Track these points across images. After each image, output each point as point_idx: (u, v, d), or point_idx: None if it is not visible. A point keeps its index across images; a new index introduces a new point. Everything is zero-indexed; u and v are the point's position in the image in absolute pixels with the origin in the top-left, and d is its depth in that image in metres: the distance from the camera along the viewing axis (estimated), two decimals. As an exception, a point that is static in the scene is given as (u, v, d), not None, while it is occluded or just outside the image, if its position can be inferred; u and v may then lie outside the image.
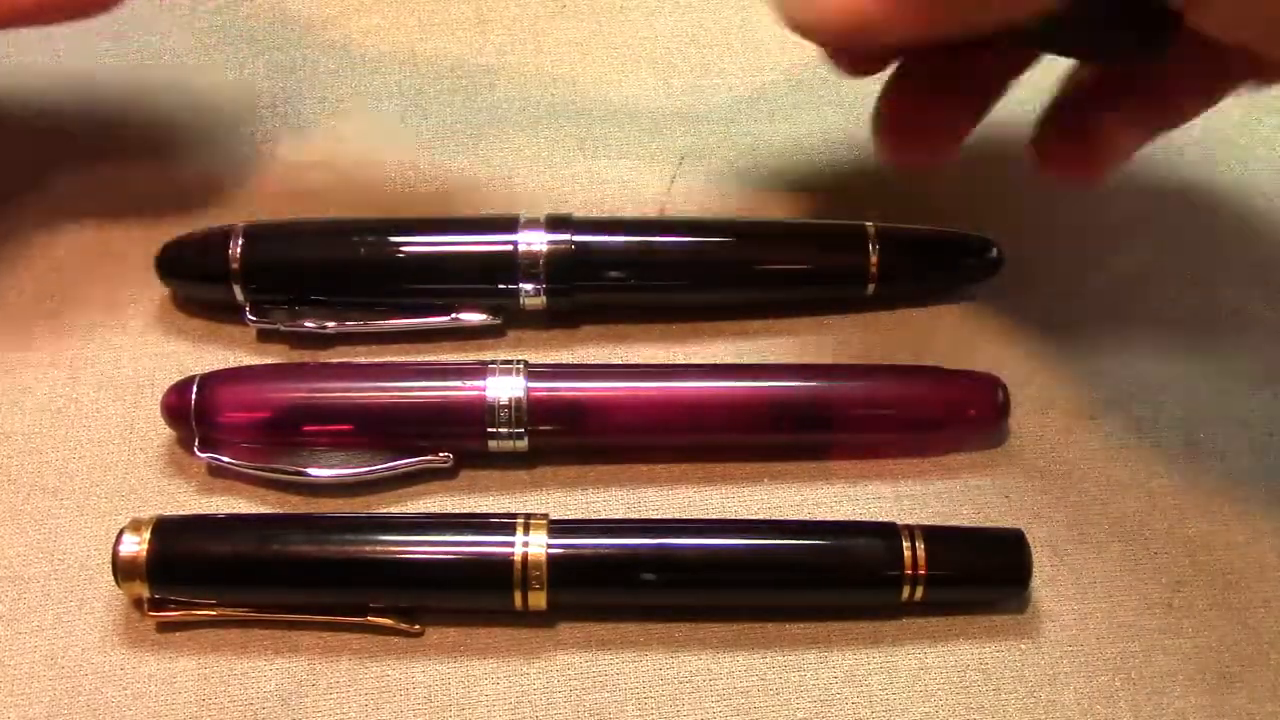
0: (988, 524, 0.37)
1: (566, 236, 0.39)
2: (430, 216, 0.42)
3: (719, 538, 0.35)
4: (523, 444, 0.37)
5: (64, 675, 0.34)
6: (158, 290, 0.40)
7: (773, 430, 0.37)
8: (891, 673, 0.34)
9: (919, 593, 0.34)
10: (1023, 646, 0.35)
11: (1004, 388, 0.38)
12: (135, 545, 0.34)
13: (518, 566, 0.34)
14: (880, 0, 0.29)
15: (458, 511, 0.37)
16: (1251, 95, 0.36)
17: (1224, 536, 0.37)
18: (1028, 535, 0.35)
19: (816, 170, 0.44)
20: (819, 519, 0.37)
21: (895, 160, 0.38)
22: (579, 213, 0.40)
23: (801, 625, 0.35)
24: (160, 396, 0.37)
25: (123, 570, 0.34)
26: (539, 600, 0.34)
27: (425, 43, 0.47)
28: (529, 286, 0.39)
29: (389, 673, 0.34)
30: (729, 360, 0.40)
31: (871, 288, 0.40)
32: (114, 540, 0.34)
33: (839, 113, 0.45)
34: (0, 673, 0.34)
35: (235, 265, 0.39)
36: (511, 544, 0.34)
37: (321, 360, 0.39)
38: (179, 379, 0.37)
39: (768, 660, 0.35)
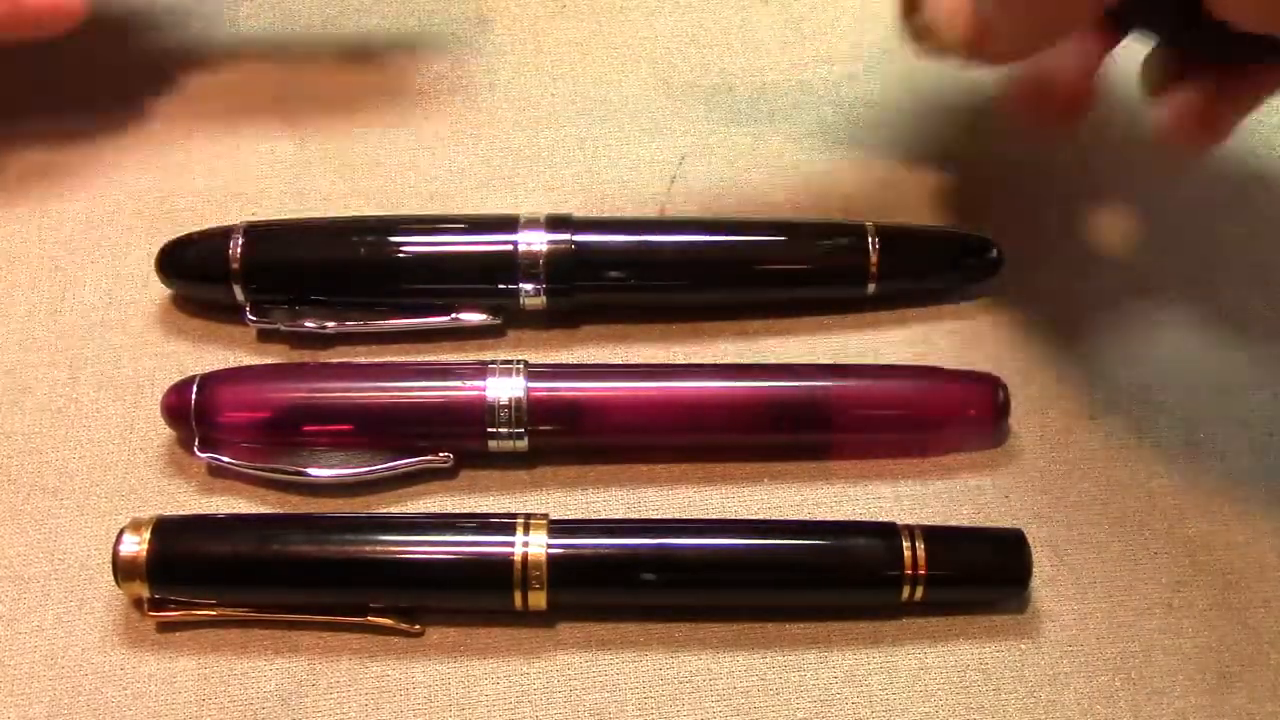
0: (988, 524, 0.37)
1: (566, 236, 0.39)
2: (430, 216, 0.42)
3: (719, 538, 0.35)
4: (523, 444, 0.37)
5: (64, 675, 0.34)
6: (158, 290, 0.40)
7: (773, 430, 0.37)
8: (891, 673, 0.34)
9: (919, 593, 0.34)
10: (1023, 646, 0.35)
11: (1004, 388, 0.38)
12: (135, 545, 0.34)
13: (518, 566, 0.34)
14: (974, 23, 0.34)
15: (458, 511, 0.37)
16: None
17: (1224, 536, 0.37)
18: (1028, 535, 0.35)
19: (817, 170, 0.44)
20: (819, 519, 0.37)
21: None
22: (579, 213, 0.40)
23: (801, 625, 0.35)
24: (160, 396, 0.37)
25: (123, 570, 0.34)
26: (539, 600, 0.34)
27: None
28: (529, 286, 0.39)
29: (389, 673, 0.34)
30: (729, 360, 0.40)
31: (871, 287, 0.40)
32: (114, 540, 0.34)
33: (839, 113, 0.45)
34: (0, 673, 0.34)
35: (235, 265, 0.39)
36: (511, 544, 0.34)
37: (321, 360, 0.39)
38: (179, 379, 0.37)
39: (768, 660, 0.35)
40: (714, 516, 0.37)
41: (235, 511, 0.37)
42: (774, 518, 0.37)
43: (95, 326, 0.40)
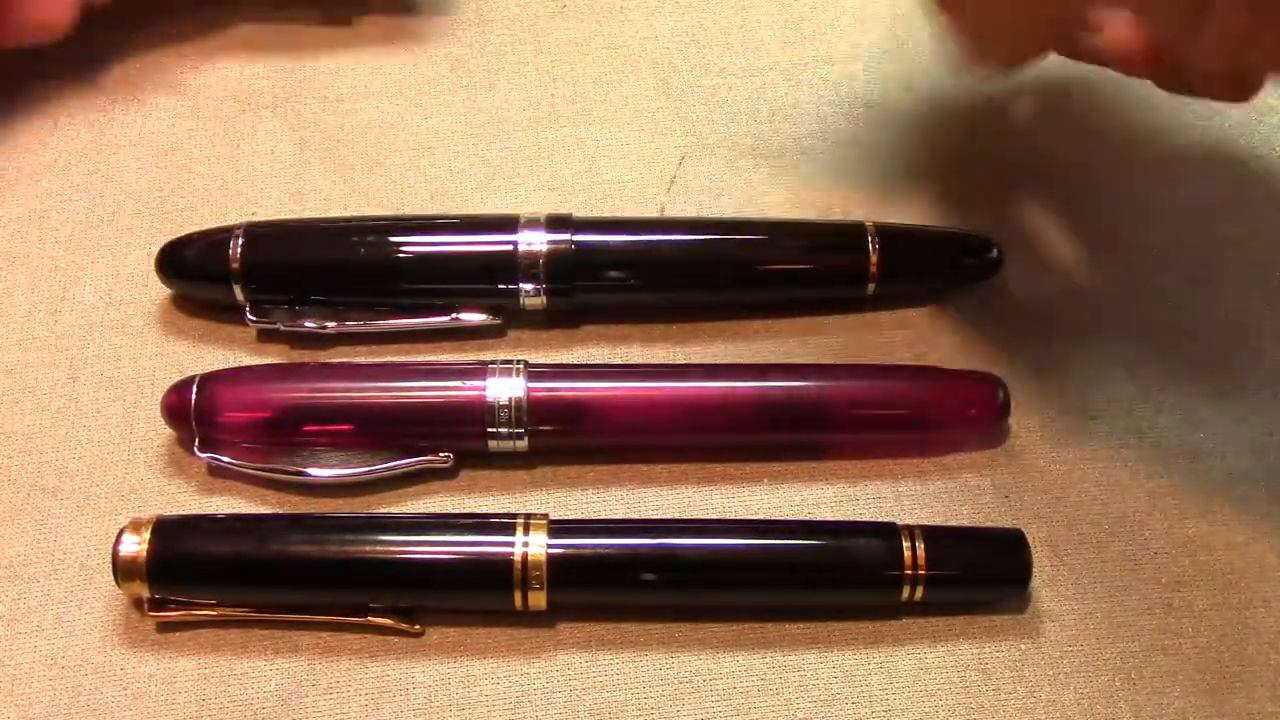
0: (988, 524, 0.37)
1: (566, 236, 0.39)
2: (430, 216, 0.42)
3: (719, 538, 0.35)
4: (523, 444, 0.37)
5: (64, 675, 0.34)
6: (158, 290, 0.40)
7: (773, 430, 0.37)
8: (891, 673, 0.34)
9: (919, 593, 0.34)
10: (1023, 646, 0.35)
11: (1004, 388, 0.38)
12: (135, 545, 0.34)
13: (518, 566, 0.34)
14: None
15: (458, 511, 0.37)
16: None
17: (1224, 536, 0.37)
18: (1028, 535, 0.35)
19: (817, 170, 0.44)
20: (819, 519, 0.37)
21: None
22: (579, 213, 0.40)
23: (801, 625, 0.35)
24: (160, 396, 0.37)
25: (123, 570, 0.34)
26: (539, 600, 0.34)
27: (425, 41, 0.47)
28: (529, 286, 0.39)
29: (389, 673, 0.34)
30: (729, 360, 0.40)
31: (871, 287, 0.40)
32: (114, 540, 0.34)
33: (839, 113, 0.45)
34: (0, 673, 0.34)
35: (235, 265, 0.39)
36: (511, 544, 0.34)
37: (321, 360, 0.39)
38: (179, 379, 0.37)
39: (768, 660, 0.35)
40: (714, 516, 0.37)
41: (235, 511, 0.37)
42: (774, 518, 0.37)
43: (95, 326, 0.40)
